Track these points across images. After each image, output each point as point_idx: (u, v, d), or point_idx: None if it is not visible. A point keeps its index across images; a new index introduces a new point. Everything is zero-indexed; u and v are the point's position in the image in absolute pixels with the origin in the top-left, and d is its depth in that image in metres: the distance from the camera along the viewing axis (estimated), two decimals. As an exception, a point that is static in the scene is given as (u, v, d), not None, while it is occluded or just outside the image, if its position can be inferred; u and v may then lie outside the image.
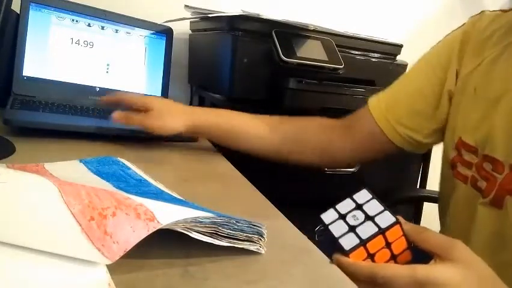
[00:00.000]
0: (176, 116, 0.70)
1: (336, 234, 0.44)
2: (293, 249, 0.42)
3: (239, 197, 0.56)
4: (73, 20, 0.86)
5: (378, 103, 0.70)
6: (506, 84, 0.56)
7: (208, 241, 0.36)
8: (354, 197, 0.46)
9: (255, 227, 0.39)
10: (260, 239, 0.39)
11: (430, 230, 0.43)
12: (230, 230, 0.37)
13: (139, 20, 0.94)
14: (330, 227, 0.45)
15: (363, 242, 0.42)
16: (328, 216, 0.46)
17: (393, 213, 0.44)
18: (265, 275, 0.36)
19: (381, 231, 0.42)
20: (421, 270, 0.39)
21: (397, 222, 0.43)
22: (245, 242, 0.38)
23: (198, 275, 0.34)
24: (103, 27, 0.89)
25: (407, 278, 0.39)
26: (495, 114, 0.56)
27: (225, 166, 0.70)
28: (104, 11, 0.90)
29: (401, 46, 1.09)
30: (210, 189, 0.57)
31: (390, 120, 0.67)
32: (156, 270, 0.34)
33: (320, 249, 0.43)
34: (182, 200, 0.46)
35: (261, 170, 0.74)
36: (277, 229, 0.46)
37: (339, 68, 0.92)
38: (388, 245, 0.43)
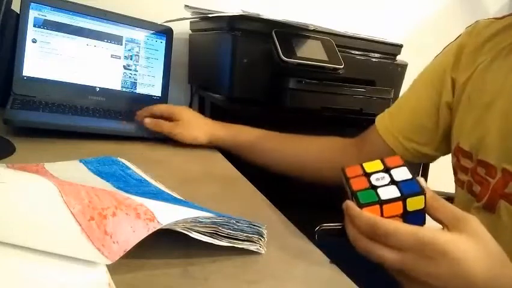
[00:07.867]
0: (201, 127, 0.78)
1: (355, 188, 0.42)
2: (293, 249, 0.42)
3: (239, 197, 0.56)
4: (73, 20, 0.86)
5: (383, 120, 0.71)
6: (499, 88, 0.56)
7: (208, 241, 0.36)
8: (385, 160, 0.45)
9: (255, 227, 0.39)
10: (260, 239, 0.39)
11: (444, 201, 0.41)
12: (230, 230, 0.37)
13: (139, 20, 0.94)
14: (351, 180, 0.44)
15: (380, 202, 0.40)
16: (351, 170, 0.45)
17: (420, 185, 0.41)
18: (265, 275, 0.36)
19: (403, 198, 0.40)
20: (425, 232, 0.38)
21: (422, 192, 0.40)
22: (245, 242, 0.38)
23: (198, 275, 0.34)
24: (103, 27, 0.89)
25: (409, 236, 0.38)
26: (488, 119, 0.57)
27: (225, 166, 0.70)
28: (104, 11, 0.90)
29: (401, 46, 1.09)
30: (210, 189, 0.57)
31: (398, 136, 0.68)
32: (156, 270, 0.34)
33: (319, 249, 0.43)
34: (182, 200, 0.46)
35: (261, 170, 0.75)
36: (277, 229, 0.46)
37: (339, 68, 0.92)
38: (405, 213, 0.41)
